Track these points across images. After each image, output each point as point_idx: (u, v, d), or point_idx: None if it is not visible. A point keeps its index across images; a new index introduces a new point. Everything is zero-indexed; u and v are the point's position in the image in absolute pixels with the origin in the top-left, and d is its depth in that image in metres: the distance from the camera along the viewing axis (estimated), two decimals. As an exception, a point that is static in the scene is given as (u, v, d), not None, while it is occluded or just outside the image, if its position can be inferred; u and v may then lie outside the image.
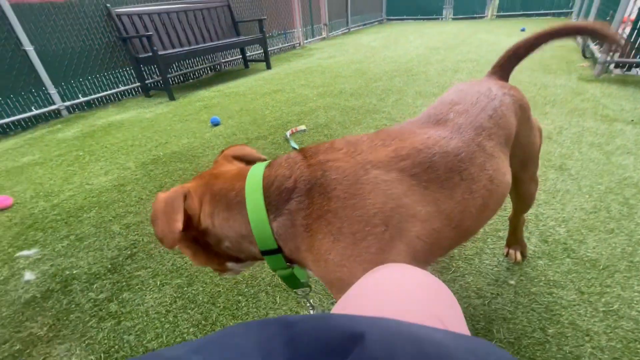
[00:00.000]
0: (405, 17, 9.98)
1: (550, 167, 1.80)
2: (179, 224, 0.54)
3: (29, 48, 3.21)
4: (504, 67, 0.92)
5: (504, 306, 1.07)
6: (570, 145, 2.00)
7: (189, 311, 1.16)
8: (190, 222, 0.58)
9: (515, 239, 1.23)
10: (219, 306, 1.16)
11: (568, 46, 4.62)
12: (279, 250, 0.57)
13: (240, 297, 1.19)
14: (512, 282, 1.15)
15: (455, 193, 0.59)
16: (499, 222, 1.43)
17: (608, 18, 3.30)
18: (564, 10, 7.72)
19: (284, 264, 0.60)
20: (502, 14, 8.55)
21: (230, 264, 0.67)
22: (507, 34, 6.16)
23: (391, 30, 8.13)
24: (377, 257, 0.51)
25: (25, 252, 1.52)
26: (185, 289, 1.25)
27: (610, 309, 1.02)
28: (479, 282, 1.16)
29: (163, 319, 1.14)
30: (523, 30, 6.36)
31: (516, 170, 0.82)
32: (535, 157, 0.93)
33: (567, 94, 2.82)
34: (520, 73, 3.53)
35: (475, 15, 8.88)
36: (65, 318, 1.18)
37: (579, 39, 4.57)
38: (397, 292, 0.35)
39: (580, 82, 3.09)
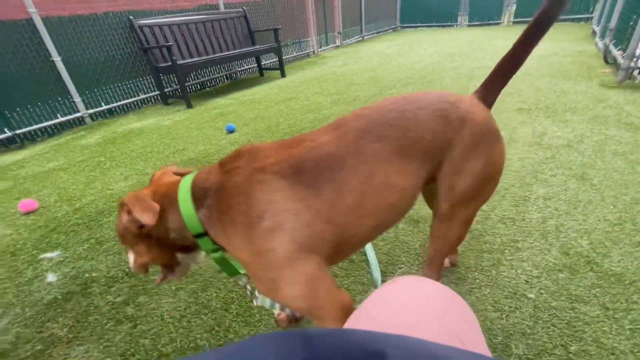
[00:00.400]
0: (419, 24, 9.97)
1: (571, 176, 1.74)
2: (155, 205, 0.69)
3: (57, 59, 3.37)
4: (488, 87, 0.83)
5: (523, 320, 1.03)
6: (592, 154, 1.93)
7: (203, 317, 1.17)
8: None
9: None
10: (232, 312, 1.17)
11: (588, 52, 4.51)
12: (206, 234, 0.72)
13: (253, 304, 1.19)
14: (531, 295, 1.11)
15: (322, 192, 0.66)
16: (517, 233, 1.39)
17: (631, 23, 3.20)
18: (584, 15, 7.54)
19: (212, 245, 0.74)
20: (519, 20, 8.42)
21: (180, 256, 0.81)
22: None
23: (405, 38, 8.14)
24: (264, 243, 0.64)
25: (48, 255, 1.58)
26: (200, 294, 1.26)
27: (638, 326, 0.97)
28: (496, 294, 1.13)
29: (177, 324, 1.15)
30: (541, 36, 6.23)
31: (446, 201, 0.78)
32: (477, 198, 0.78)
33: (588, 101, 2.73)
34: (539, 79, 3.46)
35: (491, 22, 8.78)
36: (84, 320, 1.21)
37: (600, 44, 4.45)
38: (414, 306, 0.35)
39: (602, 88, 3.00)
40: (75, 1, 3.53)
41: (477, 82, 3.54)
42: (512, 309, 1.07)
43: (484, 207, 1.57)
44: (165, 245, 0.77)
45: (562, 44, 5.33)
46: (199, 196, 0.71)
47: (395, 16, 10.16)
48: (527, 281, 1.17)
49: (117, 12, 3.83)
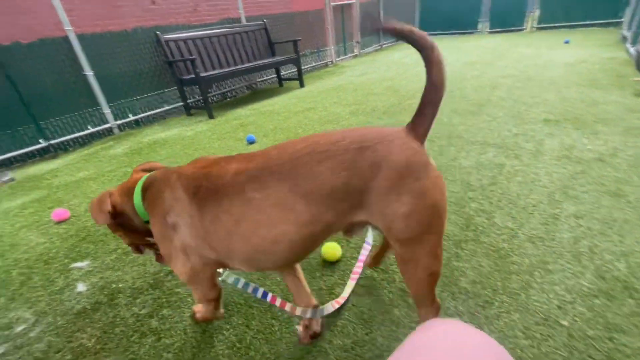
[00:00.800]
0: (438, 32, 9.88)
1: (605, 193, 1.66)
2: (108, 207, 0.93)
3: (89, 73, 3.56)
4: (419, 117, 0.78)
5: (556, 350, 0.98)
6: (626, 169, 1.83)
7: (224, 332, 1.18)
8: (115, 211, 0.96)
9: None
10: (253, 329, 1.17)
11: (619, 58, 4.32)
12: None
13: (273, 321, 1.19)
14: (565, 322, 1.05)
15: (204, 218, 0.82)
16: (547, 253, 1.33)
17: (667, 29, 3.05)
18: (612, 20, 7.26)
19: None
20: (542, 25, 8.20)
21: (150, 239, 1.02)
22: (549, 46, 5.88)
23: (424, 46, 8.07)
24: (167, 232, 0.87)
25: (78, 264, 1.64)
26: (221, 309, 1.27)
27: (686, 362, 0.90)
28: (526, 320, 1.08)
29: (200, 338, 1.17)
30: (567, 42, 6.04)
31: (393, 241, 0.79)
32: (427, 232, 0.76)
33: (621, 112, 2.61)
34: (566, 88, 3.34)
35: (513, 28, 8.59)
36: (111, 331, 1.25)
37: (632, 51, 4.26)
38: (455, 356, 0.33)
39: (636, 98, 2.86)
40: (107, 18, 3.73)
41: (501, 92, 3.47)
42: (544, 337, 1.02)
43: (510, 224, 1.52)
44: (135, 230, 1.01)
45: (590, 50, 5.14)
46: (144, 191, 0.93)
47: (413, 24, 10.11)
48: (559, 307, 1.11)
49: (145, 28, 4.01)
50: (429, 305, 0.89)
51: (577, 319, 1.06)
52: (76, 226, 1.99)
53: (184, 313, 1.28)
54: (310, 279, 1.36)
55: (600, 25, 7.45)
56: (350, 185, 0.73)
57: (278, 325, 1.18)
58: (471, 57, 5.79)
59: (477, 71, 4.64)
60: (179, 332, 1.20)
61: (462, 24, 9.34)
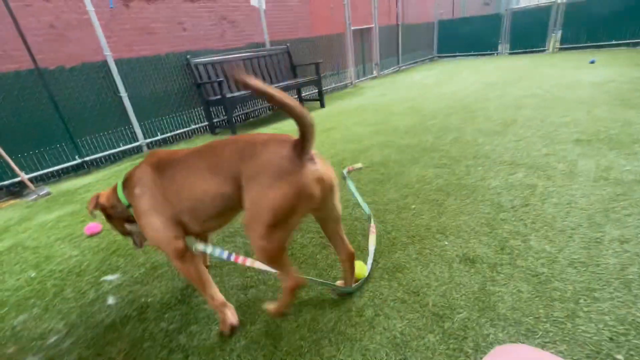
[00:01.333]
0: (457, 53, 9.96)
1: (650, 216, 1.56)
2: (93, 205, 1.25)
3: (124, 94, 3.77)
4: (300, 138, 0.95)
5: (613, 387, 0.90)
6: (673, 192, 1.73)
7: (252, 352, 1.15)
8: (105, 208, 1.27)
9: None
10: (281, 350, 1.14)
11: (652, 78, 4.18)
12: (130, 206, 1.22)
13: (302, 342, 1.16)
14: (620, 357, 0.97)
15: (164, 182, 1.14)
16: (592, 280, 1.25)
17: None
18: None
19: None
20: (566, 46, 8.11)
21: (132, 226, 1.33)
22: (574, 66, 5.79)
23: (443, 67, 8.13)
24: (136, 200, 1.17)
25: (109, 277, 1.68)
26: (248, 327, 1.26)
27: None
28: (575, 352, 1.00)
29: (227, 358, 1.15)
30: (592, 62, 5.93)
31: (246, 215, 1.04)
32: (253, 219, 1.00)
33: (659, 132, 2.50)
34: (596, 107, 3.25)
35: (534, 49, 8.54)
36: (139, 346, 1.25)
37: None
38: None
39: (674, 118, 2.74)
40: (142, 44, 3.99)
41: (527, 112, 3.41)
42: (597, 372, 0.94)
43: (548, 248, 1.45)
44: (121, 219, 1.31)
45: (618, 69, 5.01)
46: (125, 181, 1.24)
47: (432, 46, 10.25)
48: (611, 338, 1.02)
49: (177, 53, 4.26)
50: (283, 274, 1.13)
51: (633, 354, 0.97)
52: (107, 240, 2.04)
53: (212, 330, 1.27)
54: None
55: (628, 45, 7.29)
56: (234, 168, 1.02)
57: (307, 346, 1.14)
58: (492, 78, 5.76)
59: (499, 91, 4.60)
60: (206, 350, 1.19)
61: (481, 46, 9.38)
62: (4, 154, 2.96)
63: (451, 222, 1.74)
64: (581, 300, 1.17)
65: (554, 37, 8.37)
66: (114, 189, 1.27)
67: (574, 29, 7.87)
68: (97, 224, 2.18)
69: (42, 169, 3.38)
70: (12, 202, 3.02)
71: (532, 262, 1.38)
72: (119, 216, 1.29)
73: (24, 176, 3.05)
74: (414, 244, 1.60)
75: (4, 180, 3.19)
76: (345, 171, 2.50)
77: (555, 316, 1.13)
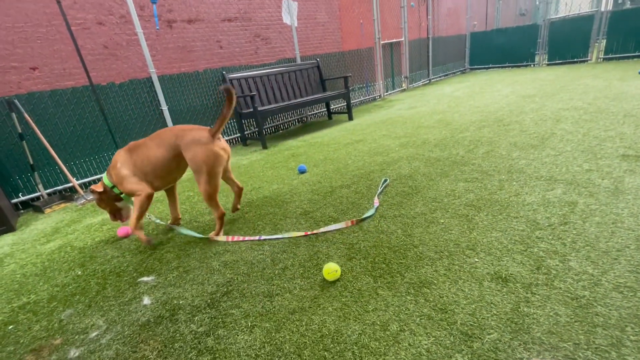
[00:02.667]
0: (490, 65, 9.68)
1: None
2: (98, 187, 2.06)
3: (165, 108, 4.04)
4: (215, 124, 1.94)
5: None
6: None
7: (276, 359, 1.17)
8: (100, 193, 2.05)
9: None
10: (305, 359, 1.15)
11: None
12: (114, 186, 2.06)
13: (326, 353, 1.16)
14: (674, 393, 0.88)
15: (134, 157, 2.00)
16: (641, 306, 1.15)
17: None
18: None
19: (117, 190, 2.05)
20: (611, 56, 7.64)
21: (120, 204, 2.16)
22: (619, 78, 5.43)
23: (475, 79, 7.93)
24: (119, 172, 1.98)
25: (145, 278, 1.78)
26: (274, 334, 1.28)
27: None
28: (620, 384, 0.92)
29: (252, 363, 1.17)
30: (642, 72, 5.53)
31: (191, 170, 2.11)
32: (196, 171, 1.92)
33: None
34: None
35: (575, 60, 8.12)
36: (171, 345, 1.31)
37: None
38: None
39: None
40: (182, 61, 4.28)
41: (567, 125, 3.25)
42: (646, 408, 0.86)
43: (590, 269, 1.36)
44: (112, 199, 2.10)
45: (672, 80, 4.63)
46: (107, 171, 2.05)
47: (464, 58, 10.06)
48: (663, 372, 0.94)
49: (214, 69, 4.52)
50: (215, 209, 2.02)
51: (690, 391, 0.88)
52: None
53: (238, 335, 1.30)
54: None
55: (683, 53, 6.73)
56: (175, 142, 1.93)
57: (331, 358, 1.14)
58: (528, 90, 5.54)
59: (535, 104, 4.41)
60: (232, 354, 1.22)
61: (517, 57, 9.06)
62: (59, 161, 3.27)
63: (482, 239, 1.68)
64: (628, 328, 1.09)
65: (597, 47, 7.92)
66: (102, 180, 2.05)
67: (620, 37, 7.41)
68: (127, 227, 2.32)
69: (91, 176, 3.68)
70: (63, 205, 3.30)
71: (571, 284, 1.30)
72: (111, 196, 2.08)
73: (75, 182, 3.33)
74: (442, 260, 1.56)
75: (58, 186, 3.50)
76: (376, 202, 2.49)
77: (598, 343, 1.05)
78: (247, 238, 2.01)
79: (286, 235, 1.98)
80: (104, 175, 2.03)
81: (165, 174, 2.00)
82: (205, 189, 1.91)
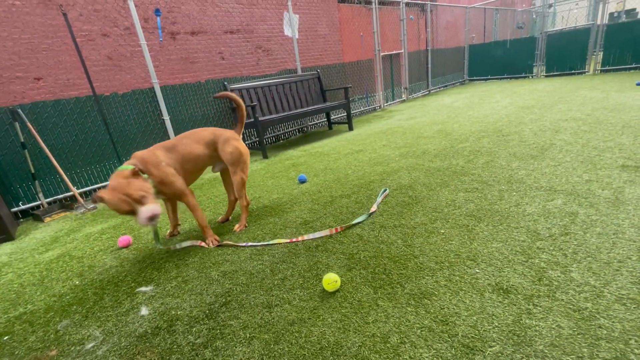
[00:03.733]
0: (489, 76, 9.80)
1: None
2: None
3: (166, 117, 4.08)
4: (237, 125, 2.31)
5: None
6: None
7: (275, 372, 1.15)
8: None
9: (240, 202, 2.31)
10: (304, 372, 1.13)
11: None
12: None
13: (325, 366, 1.14)
14: (680, 408, 0.86)
15: (173, 155, 2.04)
16: (645, 319, 1.14)
17: None
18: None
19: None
20: (608, 68, 7.73)
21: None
22: (617, 89, 5.48)
23: (474, 91, 8.01)
24: (165, 170, 1.96)
25: (143, 288, 1.76)
26: (272, 346, 1.26)
27: None
28: (625, 399, 0.90)
29: (250, 376, 1.15)
30: (639, 84, 5.59)
31: (227, 164, 2.21)
32: (234, 163, 2.17)
33: None
34: (645, 133, 3.03)
35: (573, 72, 8.21)
36: (168, 357, 1.29)
37: None
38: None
39: None
40: (185, 72, 4.34)
41: (566, 136, 3.26)
42: None
43: (592, 281, 1.34)
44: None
45: (669, 92, 4.68)
46: (139, 168, 1.92)
47: (463, 69, 10.19)
48: (669, 387, 0.92)
49: (215, 79, 4.57)
50: (244, 198, 2.26)
51: (696, 406, 0.86)
52: (143, 253, 2.16)
53: (236, 347, 1.28)
54: (363, 323, 1.30)
55: (679, 65, 6.81)
56: (213, 140, 2.16)
57: (330, 370, 1.12)
58: (527, 101, 5.59)
59: (534, 115, 4.44)
60: (230, 366, 1.20)
61: (515, 69, 9.17)
62: (60, 170, 3.28)
63: (483, 249, 1.67)
64: (632, 341, 1.07)
65: (595, 59, 8.02)
66: (134, 172, 1.88)
67: (616, 50, 7.50)
68: (129, 237, 2.32)
69: (92, 185, 3.69)
70: (63, 214, 3.29)
71: (573, 296, 1.29)
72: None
73: (75, 191, 3.34)
74: (442, 270, 1.55)
75: (59, 194, 3.51)
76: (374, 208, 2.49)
77: (602, 357, 1.03)
78: (229, 243, 2.11)
79: (270, 242, 2.04)
80: (129, 166, 1.79)
81: (198, 172, 2.18)
82: (241, 177, 2.19)
